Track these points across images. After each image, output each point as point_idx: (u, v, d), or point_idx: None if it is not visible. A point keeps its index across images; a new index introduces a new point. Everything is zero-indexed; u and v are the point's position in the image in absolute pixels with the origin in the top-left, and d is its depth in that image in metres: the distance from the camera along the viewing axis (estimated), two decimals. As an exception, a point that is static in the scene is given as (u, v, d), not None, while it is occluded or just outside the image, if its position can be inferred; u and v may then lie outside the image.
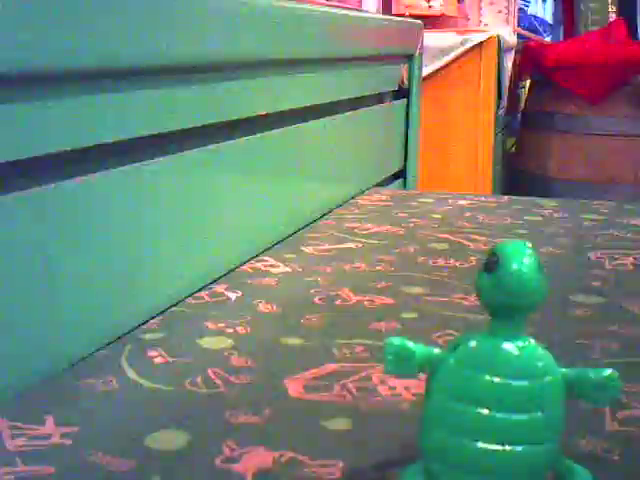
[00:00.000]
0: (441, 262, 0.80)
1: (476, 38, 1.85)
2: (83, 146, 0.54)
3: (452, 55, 1.84)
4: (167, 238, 0.66)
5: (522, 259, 0.34)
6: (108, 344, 0.58)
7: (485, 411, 0.34)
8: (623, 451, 0.43)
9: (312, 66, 0.94)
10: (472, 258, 0.81)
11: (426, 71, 1.73)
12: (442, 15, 2.23)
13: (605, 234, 0.93)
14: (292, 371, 0.53)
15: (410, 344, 0.37)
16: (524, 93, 2.63)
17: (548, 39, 3.42)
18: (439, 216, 1.02)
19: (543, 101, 2.30)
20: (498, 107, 1.99)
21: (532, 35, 2.65)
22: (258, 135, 0.81)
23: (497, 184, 2.13)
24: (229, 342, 0.58)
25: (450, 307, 0.66)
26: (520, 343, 0.35)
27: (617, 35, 2.28)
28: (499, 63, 1.90)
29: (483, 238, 0.90)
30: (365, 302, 0.67)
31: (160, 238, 0.65)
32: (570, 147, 2.23)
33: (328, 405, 0.48)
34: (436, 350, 0.37)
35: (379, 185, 1.26)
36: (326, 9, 0.97)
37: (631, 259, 0.82)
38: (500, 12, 2.37)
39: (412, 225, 0.97)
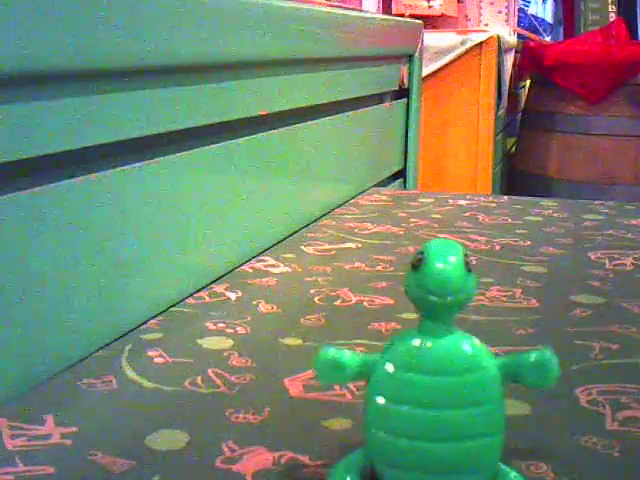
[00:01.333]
0: (441, 262, 0.80)
1: (476, 38, 1.85)
2: (83, 146, 0.54)
3: (452, 55, 1.84)
4: (167, 238, 0.66)
5: (445, 258, 0.34)
6: (108, 344, 0.58)
7: (416, 410, 0.35)
8: (623, 450, 0.43)
9: (312, 66, 0.94)
10: (472, 258, 0.81)
11: (426, 71, 1.73)
12: (442, 15, 2.23)
13: (605, 234, 0.93)
14: (292, 371, 0.53)
15: (344, 354, 0.37)
16: (524, 93, 2.63)
17: (548, 39, 3.42)
18: (439, 216, 1.02)
19: (543, 101, 2.30)
20: (498, 107, 1.99)
21: (532, 35, 2.65)
22: (258, 135, 0.81)
23: (497, 184, 2.13)
24: (229, 342, 0.58)
25: (450, 307, 0.66)
26: (448, 340, 0.36)
27: (617, 35, 2.28)
28: (499, 63, 1.90)
29: (483, 238, 0.90)
30: (365, 302, 0.67)
31: (160, 238, 0.65)
32: (570, 147, 2.23)
33: (328, 405, 0.48)
34: (372, 356, 0.37)
35: (379, 185, 1.26)
36: (326, 9, 0.97)
37: (631, 259, 0.82)
38: (500, 12, 2.37)
39: (412, 225, 0.97)
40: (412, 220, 0.99)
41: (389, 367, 0.36)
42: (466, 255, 0.35)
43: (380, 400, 0.36)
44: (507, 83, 2.06)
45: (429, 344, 0.35)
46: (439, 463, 0.35)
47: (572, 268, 0.79)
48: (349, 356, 0.37)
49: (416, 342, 0.36)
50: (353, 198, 1.14)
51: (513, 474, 0.37)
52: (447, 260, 0.34)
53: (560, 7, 3.33)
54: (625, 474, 0.41)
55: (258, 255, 0.81)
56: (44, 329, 0.52)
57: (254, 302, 0.66)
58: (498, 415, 0.36)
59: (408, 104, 1.36)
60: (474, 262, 0.80)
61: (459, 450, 0.35)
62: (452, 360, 0.35)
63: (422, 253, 0.35)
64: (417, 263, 0.35)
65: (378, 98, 1.26)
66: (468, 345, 0.36)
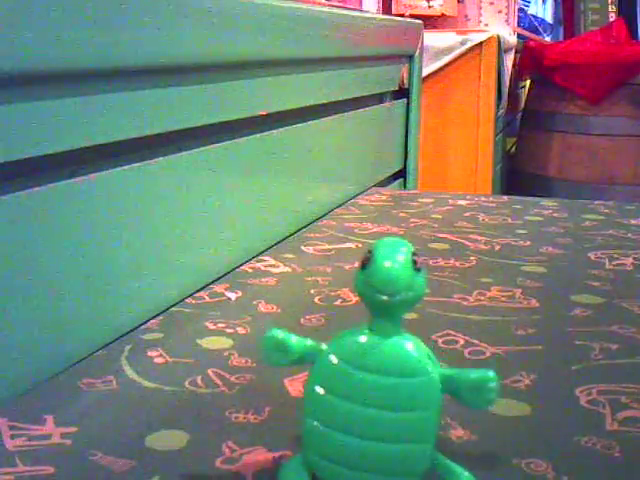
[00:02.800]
0: (441, 262, 0.80)
1: (476, 38, 1.85)
2: (83, 146, 0.54)
3: (452, 55, 1.84)
4: (167, 238, 0.66)
5: (393, 257, 0.34)
6: (108, 344, 0.58)
7: (354, 406, 0.35)
8: (623, 450, 0.43)
9: (312, 66, 0.94)
10: (472, 258, 0.81)
11: (426, 71, 1.73)
12: (442, 15, 2.23)
13: (605, 234, 0.93)
14: (292, 371, 0.53)
15: (290, 337, 0.37)
16: (524, 93, 2.63)
17: (548, 39, 3.42)
18: (439, 216, 1.02)
19: (543, 101, 2.30)
20: (498, 107, 1.99)
21: (532, 35, 2.65)
22: (258, 135, 0.81)
23: (497, 184, 2.13)
24: (229, 342, 0.58)
25: (450, 307, 0.66)
26: (394, 341, 0.35)
27: (617, 35, 2.28)
28: (499, 63, 1.90)
29: (483, 238, 0.90)
30: (365, 302, 0.67)
31: (160, 238, 0.65)
32: (570, 147, 2.23)
33: (328, 405, 0.48)
34: (320, 344, 0.37)
35: (379, 185, 1.26)
36: (326, 9, 0.97)
37: (631, 259, 0.82)
38: (500, 12, 2.37)
39: (412, 225, 0.97)
40: (412, 220, 0.99)
41: (333, 359, 0.36)
42: (415, 254, 0.35)
43: (319, 390, 0.36)
44: (507, 83, 2.06)
45: (375, 342, 0.35)
46: (368, 461, 0.35)
47: (572, 268, 0.79)
48: (295, 340, 0.37)
49: (362, 338, 0.36)
50: (353, 198, 1.14)
51: (465, 474, 0.37)
52: (394, 259, 0.34)
53: (560, 7, 3.33)
54: (625, 474, 0.41)
55: (258, 255, 0.81)
56: (44, 329, 0.52)
57: (254, 302, 0.66)
58: (434, 423, 0.35)
59: (408, 104, 1.36)
60: (474, 262, 0.80)
61: (390, 452, 0.35)
62: (395, 361, 0.35)
63: (369, 252, 0.35)
64: (365, 262, 0.35)
65: (378, 98, 1.26)
66: (414, 348, 0.36)
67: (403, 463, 0.35)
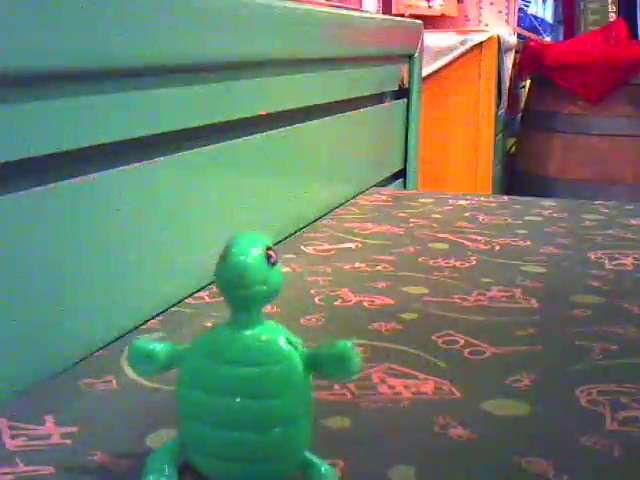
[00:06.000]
0: (441, 262, 0.80)
1: (476, 38, 1.85)
2: (83, 146, 0.54)
3: (452, 55, 1.84)
4: (167, 238, 0.66)
5: (246, 250, 0.35)
6: (108, 344, 0.58)
7: (222, 399, 0.36)
8: (623, 450, 0.43)
9: (312, 66, 0.94)
10: (472, 258, 0.81)
11: (426, 71, 1.73)
12: (442, 15, 2.23)
13: (605, 234, 0.93)
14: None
15: (154, 345, 0.38)
16: (524, 93, 2.63)
17: (548, 39, 3.42)
18: (439, 216, 1.02)
19: (543, 101, 2.30)
20: (498, 107, 1.99)
21: (532, 35, 2.65)
22: (258, 135, 0.81)
23: (497, 184, 2.13)
24: (229, 342, 0.58)
25: (450, 307, 0.66)
26: (252, 331, 0.36)
27: (617, 35, 2.28)
28: (499, 63, 1.90)
29: (483, 238, 0.90)
30: (365, 302, 0.67)
31: (160, 238, 0.65)
32: (570, 147, 2.22)
33: (328, 404, 0.48)
34: (182, 345, 0.38)
35: (379, 185, 1.26)
36: (326, 9, 0.97)
37: (631, 259, 0.82)
38: (500, 12, 2.37)
39: (412, 225, 0.97)
40: (412, 220, 0.99)
41: (196, 357, 0.37)
42: (270, 248, 0.36)
43: (187, 389, 0.37)
44: (507, 83, 2.06)
45: (234, 335, 0.36)
46: (242, 452, 0.36)
47: (572, 268, 0.79)
48: (159, 347, 0.38)
49: (222, 333, 0.37)
50: (353, 198, 1.14)
51: (324, 467, 0.38)
52: (247, 253, 0.35)
53: (560, 7, 3.33)
54: (625, 474, 0.41)
55: (258, 255, 0.81)
56: (44, 329, 0.52)
57: (254, 302, 0.66)
58: (301, 406, 0.37)
59: (408, 104, 1.36)
60: (474, 262, 0.80)
61: (261, 439, 0.36)
62: (255, 351, 0.36)
63: (227, 247, 0.36)
64: (222, 255, 0.35)
65: (378, 98, 1.26)
66: (272, 336, 0.37)
67: (276, 450, 0.36)
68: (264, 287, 0.35)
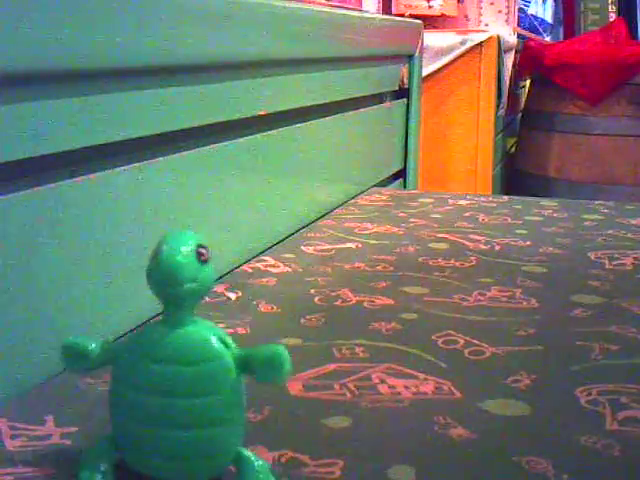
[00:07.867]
0: (441, 262, 0.80)
1: (476, 38, 1.85)
2: (83, 146, 0.54)
3: (452, 55, 1.84)
4: (167, 238, 0.65)
5: (175, 248, 0.35)
6: (108, 344, 0.57)
7: (154, 398, 0.36)
8: (623, 450, 0.43)
9: (312, 66, 0.94)
10: (472, 258, 0.81)
11: (426, 71, 1.73)
12: (442, 15, 2.23)
13: (605, 234, 0.93)
14: (292, 371, 0.53)
15: (87, 342, 0.38)
16: (524, 93, 2.63)
17: (548, 39, 3.42)
18: (439, 216, 1.02)
19: (543, 101, 2.30)
20: (498, 107, 1.99)
21: (532, 35, 2.65)
22: (258, 135, 0.81)
23: (497, 184, 2.13)
24: (229, 342, 0.58)
25: (450, 307, 0.66)
26: (185, 330, 0.37)
27: (617, 35, 2.28)
28: (499, 63, 1.90)
29: (483, 238, 0.90)
30: (365, 302, 0.67)
31: (160, 238, 0.64)
32: (570, 147, 2.22)
33: (328, 404, 0.48)
34: (116, 344, 0.39)
35: (379, 185, 1.26)
36: (326, 9, 0.97)
37: (631, 259, 0.82)
38: (500, 12, 2.37)
39: (412, 225, 0.97)
40: (412, 220, 0.99)
41: (129, 355, 0.37)
42: (201, 246, 0.36)
43: (120, 387, 0.37)
44: (507, 83, 2.06)
45: (167, 333, 0.37)
46: (173, 449, 0.36)
47: (572, 268, 0.78)
48: (92, 344, 0.38)
49: (155, 331, 0.37)
50: (353, 198, 1.14)
51: (257, 462, 0.38)
52: (177, 251, 0.35)
53: (560, 7, 3.33)
54: (625, 474, 0.41)
55: (258, 255, 0.81)
56: (44, 329, 0.52)
57: (254, 302, 0.66)
58: (233, 405, 0.37)
59: (408, 104, 1.36)
60: (474, 262, 0.80)
61: (192, 436, 0.36)
62: (187, 350, 0.36)
63: (158, 245, 0.36)
64: (153, 254, 0.36)
65: (378, 98, 1.26)
66: (204, 335, 0.37)
67: (208, 447, 0.36)
68: (195, 285, 0.36)
